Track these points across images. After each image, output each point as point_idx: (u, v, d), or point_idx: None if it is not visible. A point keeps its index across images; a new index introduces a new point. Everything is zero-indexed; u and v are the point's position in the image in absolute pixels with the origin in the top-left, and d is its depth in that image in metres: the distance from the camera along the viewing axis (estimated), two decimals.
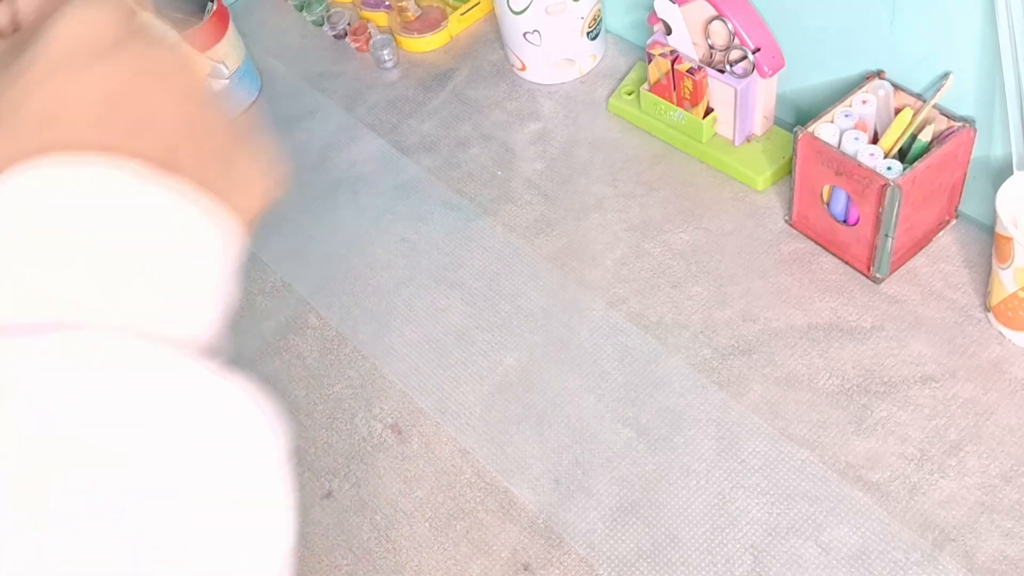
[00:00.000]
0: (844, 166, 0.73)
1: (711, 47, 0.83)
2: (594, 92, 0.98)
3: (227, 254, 0.36)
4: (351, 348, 0.83)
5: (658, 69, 0.87)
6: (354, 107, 1.03)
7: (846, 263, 0.79)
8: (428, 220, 0.91)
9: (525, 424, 0.75)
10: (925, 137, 0.74)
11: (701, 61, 0.85)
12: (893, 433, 0.70)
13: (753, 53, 0.80)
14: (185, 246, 0.33)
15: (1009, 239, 0.67)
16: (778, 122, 0.89)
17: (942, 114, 0.74)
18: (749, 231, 0.83)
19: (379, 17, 1.10)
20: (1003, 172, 0.74)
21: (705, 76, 0.84)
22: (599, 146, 0.93)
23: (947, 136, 0.73)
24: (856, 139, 0.74)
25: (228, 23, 1.01)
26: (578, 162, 0.92)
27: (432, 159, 0.96)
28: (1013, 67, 0.68)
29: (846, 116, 0.76)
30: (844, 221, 0.78)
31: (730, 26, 0.80)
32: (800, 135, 0.75)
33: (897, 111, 0.76)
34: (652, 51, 0.86)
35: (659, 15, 0.85)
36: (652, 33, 0.88)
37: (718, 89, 0.85)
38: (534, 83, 1.01)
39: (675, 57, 0.85)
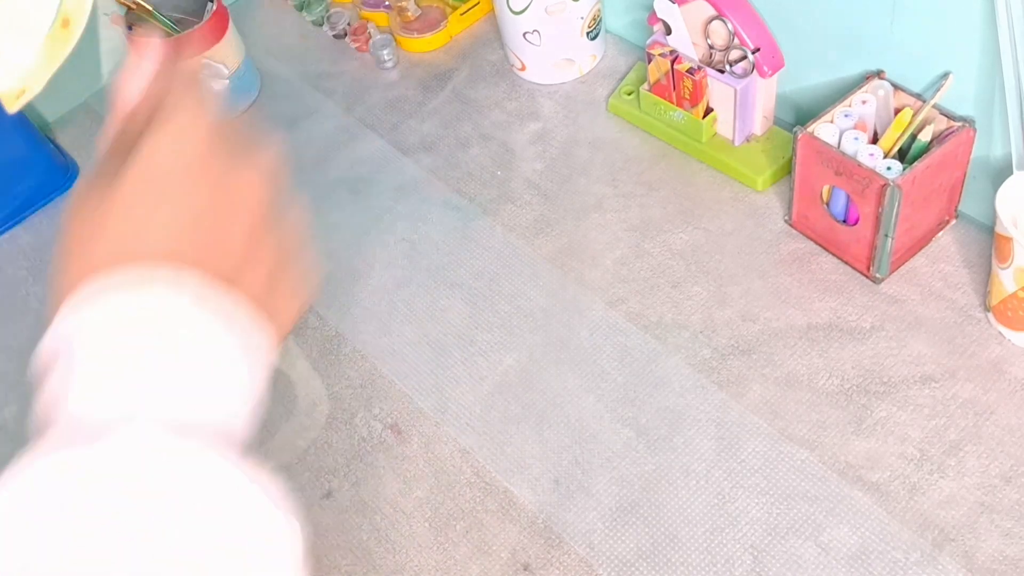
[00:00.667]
0: (844, 166, 0.73)
1: (711, 47, 0.83)
2: (594, 92, 0.98)
3: (264, 365, 0.39)
4: (351, 348, 0.83)
5: (658, 69, 0.87)
6: (354, 107, 1.03)
7: (846, 263, 0.79)
8: (428, 220, 0.91)
9: (525, 424, 0.75)
10: (925, 137, 0.74)
11: (701, 61, 0.85)
12: (893, 433, 0.70)
13: (753, 53, 0.80)
14: (229, 356, 0.37)
15: (1009, 239, 0.67)
16: (778, 122, 0.89)
17: (942, 114, 0.74)
18: (749, 231, 0.83)
19: (379, 17, 1.10)
20: (1003, 172, 0.74)
21: (705, 76, 0.84)
22: (599, 146, 0.93)
23: (947, 136, 0.73)
24: (856, 139, 0.74)
25: (228, 23, 1.01)
26: (578, 162, 0.92)
27: (432, 159, 0.96)
28: (1013, 67, 0.68)
29: (846, 116, 0.76)
30: (844, 221, 0.78)
31: (730, 26, 0.80)
32: (800, 135, 0.75)
33: (897, 111, 0.76)
34: (652, 51, 0.86)
35: (659, 15, 0.85)
36: (652, 33, 0.88)
37: (718, 89, 0.85)
38: (534, 83, 1.01)
39: (675, 57, 0.85)
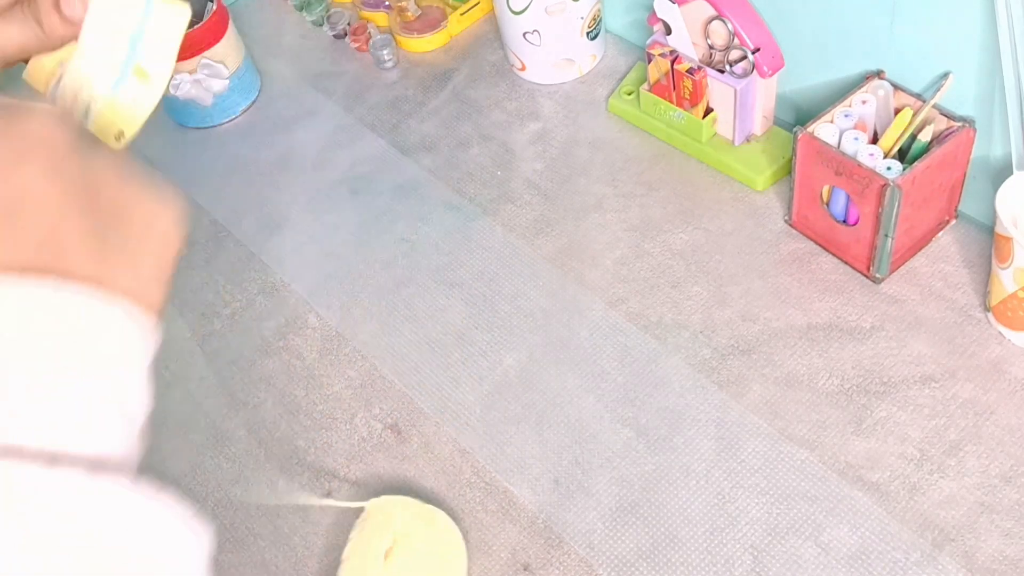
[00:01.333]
0: (844, 166, 0.73)
1: (711, 47, 0.83)
2: (594, 92, 0.98)
3: (145, 358, 0.34)
4: (351, 348, 0.83)
5: (658, 69, 0.87)
6: (354, 107, 1.03)
7: (846, 263, 0.79)
8: (428, 220, 0.91)
9: (525, 424, 0.75)
10: (925, 137, 0.74)
11: (701, 61, 0.85)
12: (893, 433, 0.70)
13: (753, 53, 0.80)
14: (103, 358, 0.33)
15: (1009, 239, 0.67)
16: (778, 122, 0.89)
17: (942, 114, 0.74)
18: (749, 231, 0.83)
19: (379, 17, 1.10)
20: (1003, 172, 0.74)
21: (705, 76, 0.84)
22: (599, 146, 0.93)
23: (947, 136, 0.73)
24: (856, 139, 0.74)
25: (228, 23, 1.01)
26: (578, 162, 0.92)
27: (432, 159, 0.96)
28: (1013, 67, 0.68)
29: (846, 116, 0.76)
30: (844, 221, 0.78)
31: (730, 26, 0.80)
32: (800, 135, 0.75)
33: (897, 111, 0.76)
34: (652, 51, 0.86)
35: (659, 15, 0.85)
36: (652, 33, 0.88)
37: (718, 89, 0.85)
38: (534, 83, 1.01)
39: (675, 57, 0.85)
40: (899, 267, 0.78)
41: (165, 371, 0.84)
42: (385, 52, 1.05)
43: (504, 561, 0.68)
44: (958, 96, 0.73)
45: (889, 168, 0.72)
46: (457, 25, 1.08)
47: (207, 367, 0.83)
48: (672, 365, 0.76)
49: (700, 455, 0.71)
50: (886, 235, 0.74)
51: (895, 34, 0.75)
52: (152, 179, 0.36)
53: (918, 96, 0.75)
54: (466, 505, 0.72)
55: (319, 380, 0.81)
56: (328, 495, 0.74)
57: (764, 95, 0.84)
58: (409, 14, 1.07)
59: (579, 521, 0.69)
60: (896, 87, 0.76)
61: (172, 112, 1.04)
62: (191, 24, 0.98)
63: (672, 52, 0.86)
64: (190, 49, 0.98)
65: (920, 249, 0.79)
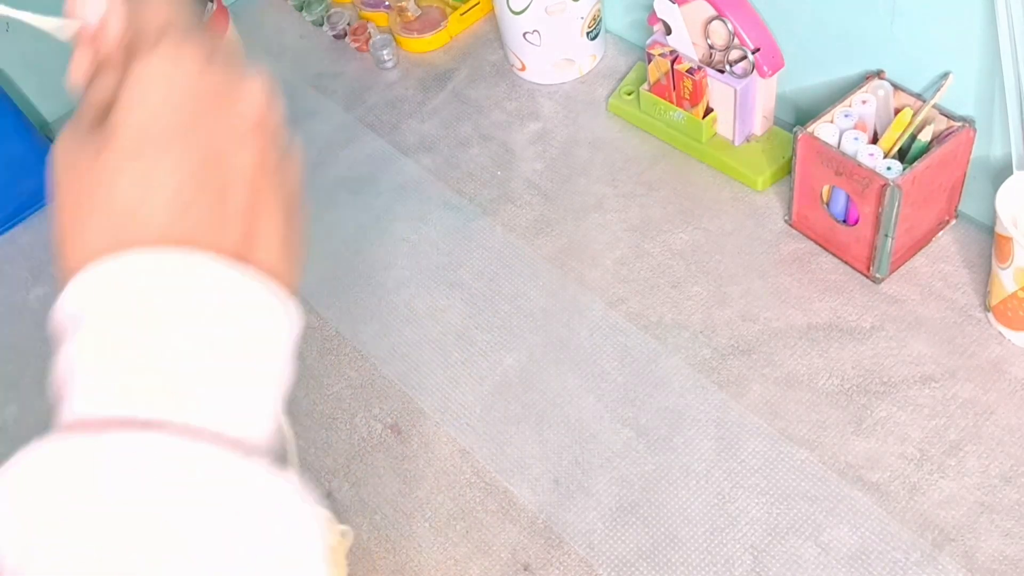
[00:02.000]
0: (844, 166, 0.73)
1: (711, 47, 0.83)
2: (594, 92, 0.98)
3: (293, 340, 0.35)
4: (351, 348, 0.83)
5: (658, 69, 0.87)
6: (354, 107, 1.03)
7: (846, 263, 0.79)
8: (428, 220, 0.91)
9: (525, 424, 0.75)
10: (925, 137, 0.74)
11: (701, 61, 0.85)
12: (893, 433, 0.70)
13: (753, 53, 0.80)
14: (263, 335, 0.34)
15: (1009, 239, 0.67)
16: (778, 122, 0.89)
17: (942, 114, 0.74)
18: (749, 231, 0.83)
19: (379, 17, 1.10)
20: (1003, 172, 0.74)
21: (705, 76, 0.84)
22: (599, 146, 0.93)
23: (947, 136, 0.73)
24: (856, 139, 0.74)
25: (228, 23, 1.01)
26: (578, 162, 0.92)
27: (432, 159, 0.96)
28: (1013, 67, 0.68)
29: (846, 116, 0.76)
30: (844, 221, 0.78)
31: (730, 26, 0.80)
32: (800, 135, 0.75)
33: (897, 111, 0.76)
34: (652, 51, 0.86)
35: (659, 15, 0.85)
36: (652, 33, 0.88)
37: (718, 89, 0.85)
38: (534, 83, 1.01)
39: (675, 57, 0.85)
40: (899, 267, 0.78)
41: None
42: (385, 52, 1.05)
43: (504, 561, 0.68)
44: (958, 96, 0.73)
45: (889, 168, 0.72)
46: (457, 25, 1.08)
47: None
48: (672, 365, 0.76)
49: (700, 455, 0.71)
50: (886, 235, 0.74)
51: (895, 34, 0.75)
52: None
53: (918, 96, 0.75)
54: (466, 505, 0.72)
55: (319, 380, 0.81)
56: (328, 495, 0.74)
57: (764, 95, 0.84)
58: (409, 14, 1.07)
59: (579, 521, 0.69)
60: (896, 87, 0.76)
61: None
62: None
63: (672, 52, 0.86)
64: None
65: (920, 249, 0.79)
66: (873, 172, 0.71)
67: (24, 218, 1.00)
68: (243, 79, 0.35)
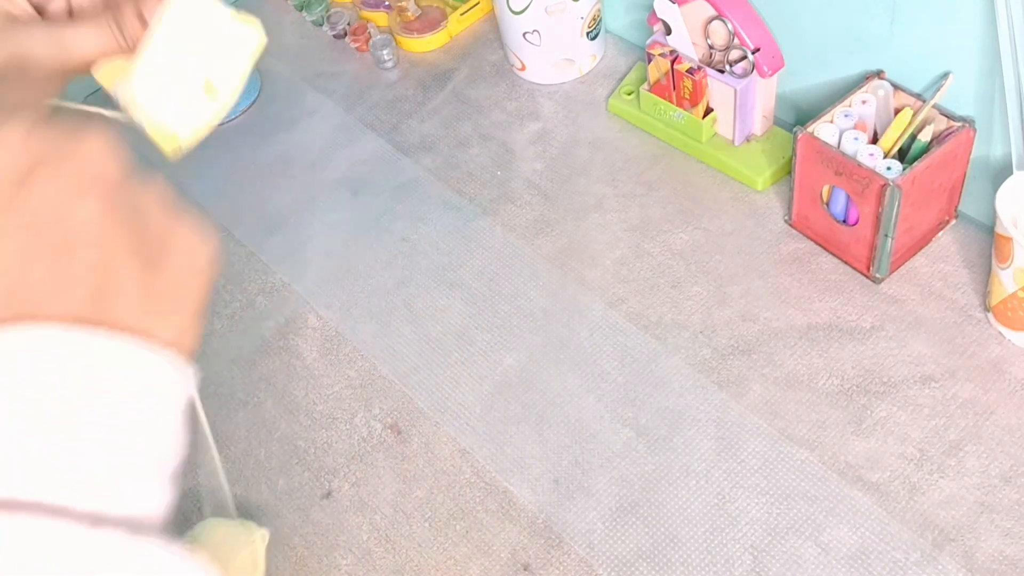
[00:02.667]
0: (844, 166, 0.73)
1: (711, 47, 0.83)
2: (594, 92, 0.98)
3: (182, 404, 0.34)
4: (351, 348, 0.83)
5: (658, 69, 0.87)
6: (354, 107, 1.03)
7: (846, 263, 0.79)
8: (428, 220, 0.91)
9: (525, 424, 0.75)
10: (925, 137, 0.74)
11: (701, 61, 0.85)
12: (893, 433, 0.70)
13: (753, 53, 0.80)
14: (150, 411, 0.32)
15: (1009, 239, 0.67)
16: (778, 122, 0.89)
17: (942, 114, 0.74)
18: (749, 231, 0.83)
19: (379, 17, 1.10)
20: (1003, 172, 0.74)
21: (705, 76, 0.84)
22: (599, 146, 0.93)
23: (947, 136, 0.73)
24: (856, 139, 0.74)
25: None
26: (578, 162, 0.92)
27: (432, 159, 0.96)
28: (1013, 67, 0.68)
29: (846, 116, 0.76)
30: (844, 221, 0.78)
31: (730, 26, 0.80)
32: (800, 135, 0.75)
33: (897, 111, 0.76)
34: (652, 51, 0.86)
35: (659, 15, 0.85)
36: (652, 33, 0.88)
37: (718, 89, 0.85)
38: (534, 83, 1.01)
39: (675, 57, 0.85)
40: (899, 267, 0.78)
41: None
42: (385, 52, 1.05)
43: (504, 561, 0.68)
44: (958, 96, 0.73)
45: (889, 168, 0.72)
46: (457, 25, 1.08)
47: (207, 367, 0.83)
48: (672, 365, 0.76)
49: (700, 455, 0.71)
50: (886, 235, 0.74)
51: (895, 34, 0.75)
52: (187, 210, 0.36)
53: (918, 96, 0.75)
54: (466, 505, 0.72)
55: (319, 380, 0.81)
56: (328, 495, 0.74)
57: (764, 95, 0.84)
58: (409, 14, 1.07)
59: (579, 521, 0.69)
60: (896, 87, 0.76)
61: None
62: None
63: (672, 52, 0.86)
64: None
65: (920, 249, 0.79)
66: (873, 172, 0.71)
67: None
68: (76, 138, 0.34)
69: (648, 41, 0.88)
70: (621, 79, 0.98)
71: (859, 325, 0.76)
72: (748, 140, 0.88)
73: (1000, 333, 0.73)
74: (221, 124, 1.06)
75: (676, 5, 0.82)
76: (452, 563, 0.69)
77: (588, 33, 0.97)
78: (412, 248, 0.89)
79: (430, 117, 1.00)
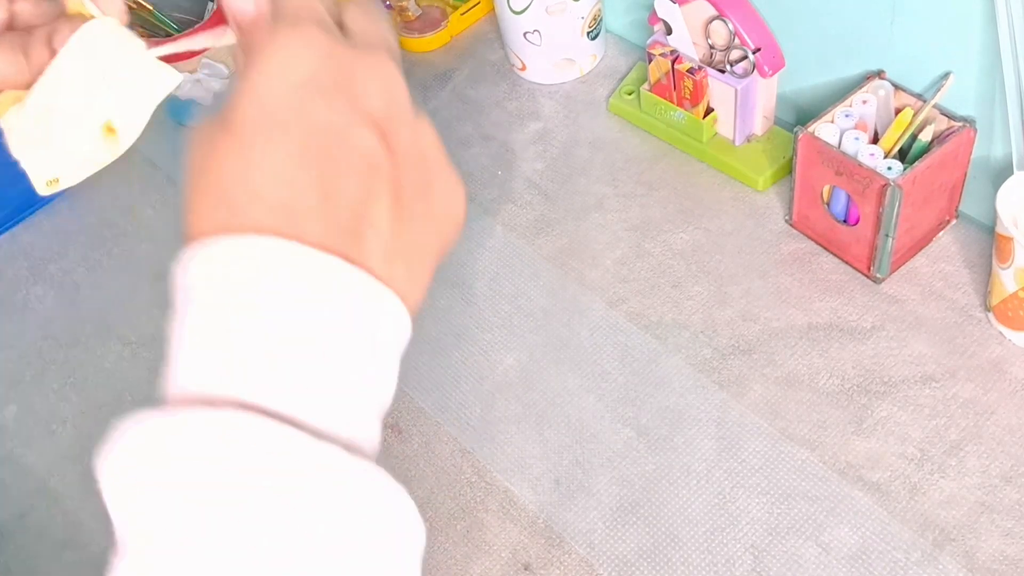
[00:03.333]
0: (844, 166, 0.73)
1: (711, 47, 0.83)
2: (594, 92, 0.98)
3: (401, 345, 0.34)
4: None
5: (658, 69, 0.87)
6: None
7: (846, 263, 0.79)
8: None
9: (525, 424, 0.75)
10: (925, 137, 0.74)
11: (701, 61, 0.85)
12: (893, 433, 0.70)
13: (753, 53, 0.80)
14: (366, 339, 0.32)
15: (1009, 239, 0.67)
16: (778, 122, 0.89)
17: (942, 114, 0.74)
18: (749, 231, 0.83)
19: None
20: (1003, 172, 0.74)
21: (705, 76, 0.84)
22: (599, 146, 0.93)
23: (947, 136, 0.73)
24: (856, 139, 0.74)
25: (228, 23, 1.01)
26: (578, 162, 0.92)
27: None
28: (1013, 67, 0.68)
29: (846, 116, 0.76)
30: (844, 221, 0.78)
31: (730, 26, 0.80)
32: (800, 135, 0.75)
33: (897, 111, 0.76)
34: (652, 51, 0.86)
35: (659, 15, 0.85)
36: (652, 33, 0.88)
37: (718, 89, 0.85)
38: (534, 83, 1.01)
39: (675, 57, 0.85)
40: (899, 267, 0.78)
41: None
42: None
43: (504, 561, 0.68)
44: (958, 96, 0.73)
45: (889, 168, 0.72)
46: (457, 25, 1.08)
47: None
48: (672, 365, 0.76)
49: (700, 455, 0.71)
50: (887, 235, 0.74)
51: (895, 34, 0.75)
52: (450, 156, 0.35)
53: (918, 96, 0.75)
54: (466, 505, 0.72)
55: None
56: None
57: (765, 95, 0.84)
58: (409, 14, 1.07)
59: (580, 521, 0.69)
60: (896, 87, 0.76)
61: (172, 112, 1.04)
62: (191, 24, 0.98)
63: (672, 52, 0.86)
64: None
65: (921, 249, 0.79)
66: (873, 172, 0.71)
67: (24, 217, 1.00)
68: (373, 60, 0.34)
69: (648, 41, 0.88)
70: (622, 79, 0.98)
71: (860, 325, 0.76)
72: (749, 140, 0.88)
73: (1001, 333, 0.73)
74: None
75: (677, 5, 0.82)
76: (452, 563, 0.69)
77: (588, 33, 0.97)
78: None
79: (430, 117, 1.00)
